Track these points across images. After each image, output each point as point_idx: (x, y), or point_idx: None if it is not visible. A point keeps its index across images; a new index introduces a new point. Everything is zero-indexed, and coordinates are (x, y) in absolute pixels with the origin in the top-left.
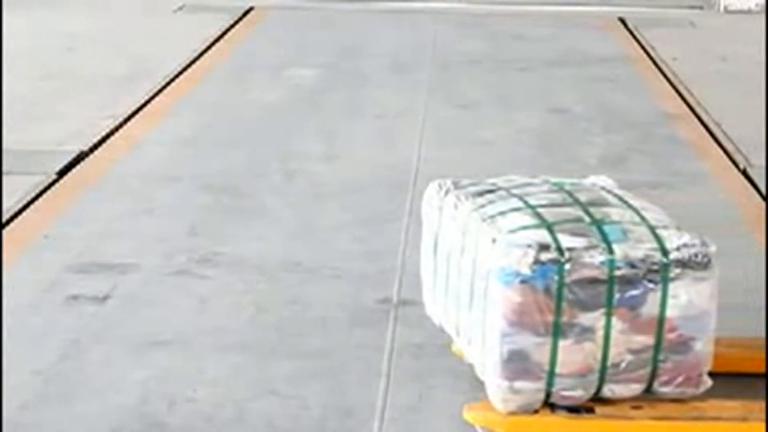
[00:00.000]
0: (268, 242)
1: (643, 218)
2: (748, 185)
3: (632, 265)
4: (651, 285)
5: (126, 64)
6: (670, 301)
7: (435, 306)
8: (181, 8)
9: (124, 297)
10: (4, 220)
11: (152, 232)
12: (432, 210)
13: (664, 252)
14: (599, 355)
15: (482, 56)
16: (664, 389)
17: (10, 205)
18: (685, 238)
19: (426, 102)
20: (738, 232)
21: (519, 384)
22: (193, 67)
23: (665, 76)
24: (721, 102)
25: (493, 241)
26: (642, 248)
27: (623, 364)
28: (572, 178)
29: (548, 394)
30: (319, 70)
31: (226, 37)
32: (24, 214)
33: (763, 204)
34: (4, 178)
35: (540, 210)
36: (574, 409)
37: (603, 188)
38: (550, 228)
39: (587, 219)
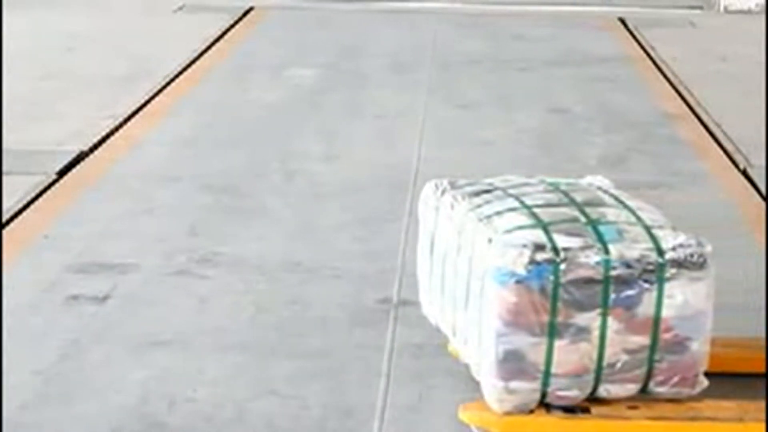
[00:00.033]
0: (268, 242)
1: (638, 218)
2: (748, 185)
3: (628, 265)
4: (647, 285)
5: (126, 64)
6: (665, 301)
7: (431, 306)
8: (181, 8)
9: (124, 297)
10: (4, 220)
11: (152, 232)
12: (428, 210)
13: (660, 252)
14: (595, 355)
15: (482, 56)
16: (660, 389)
17: (10, 205)
18: (681, 238)
19: (426, 102)
20: (738, 232)
21: (514, 384)
22: (193, 67)
23: (665, 76)
24: (721, 102)
25: (489, 241)
26: (638, 248)
27: (619, 364)
28: (569, 178)
29: (544, 394)
30: (319, 70)
31: (226, 37)
32: (24, 214)
33: (763, 204)
34: (4, 178)
35: (536, 210)
36: (569, 409)
37: (599, 188)
38: (545, 228)
39: (583, 219)
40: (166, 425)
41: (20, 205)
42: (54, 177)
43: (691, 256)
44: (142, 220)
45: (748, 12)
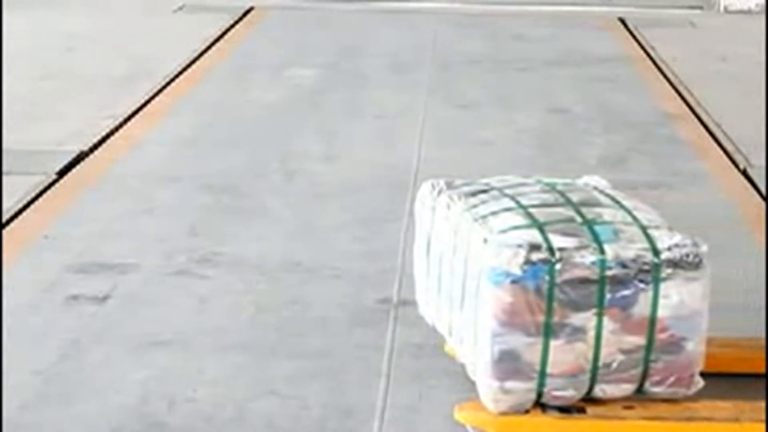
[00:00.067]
0: (268, 242)
1: (634, 218)
2: (748, 185)
3: (623, 265)
4: (642, 285)
5: (126, 64)
6: (661, 301)
7: (428, 306)
8: (181, 8)
9: (124, 297)
10: (4, 220)
11: (152, 232)
12: (425, 210)
13: (656, 252)
14: (590, 356)
15: (482, 56)
16: (656, 389)
17: (10, 205)
18: (677, 238)
19: (426, 102)
20: (738, 232)
21: (510, 384)
22: (193, 67)
23: (665, 76)
24: (721, 102)
25: (485, 241)
26: (633, 248)
27: (614, 364)
28: (566, 178)
29: (539, 394)
30: (319, 70)
31: (226, 37)
32: (24, 214)
33: (763, 204)
34: (4, 178)
35: (531, 210)
36: (565, 409)
37: (595, 188)
38: (541, 228)
39: (579, 219)
40: (166, 425)
41: (20, 205)
42: (54, 177)
43: (687, 256)
44: (142, 220)
45: (748, 12)
